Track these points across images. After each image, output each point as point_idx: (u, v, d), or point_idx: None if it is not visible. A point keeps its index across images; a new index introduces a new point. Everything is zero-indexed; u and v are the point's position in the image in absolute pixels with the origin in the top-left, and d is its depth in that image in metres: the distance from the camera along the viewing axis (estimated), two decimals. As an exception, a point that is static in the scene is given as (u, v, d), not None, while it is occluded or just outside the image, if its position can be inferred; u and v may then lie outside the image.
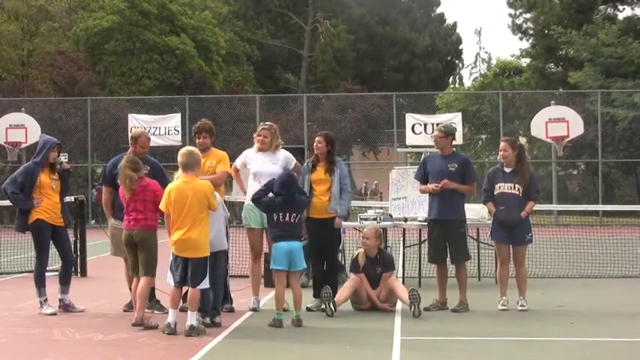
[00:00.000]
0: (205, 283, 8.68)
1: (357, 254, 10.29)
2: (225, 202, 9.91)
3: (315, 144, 10.21)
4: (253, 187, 10.07)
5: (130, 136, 10.31)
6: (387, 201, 14.64)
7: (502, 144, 10.29)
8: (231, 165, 10.43)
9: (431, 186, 10.13)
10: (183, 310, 8.88)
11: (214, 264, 8.99)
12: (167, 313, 8.82)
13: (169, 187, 8.85)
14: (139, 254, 9.07)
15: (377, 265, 10.15)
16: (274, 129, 10.29)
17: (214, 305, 9.12)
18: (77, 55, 39.92)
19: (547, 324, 9.22)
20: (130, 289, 9.55)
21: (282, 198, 9.17)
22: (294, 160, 10.28)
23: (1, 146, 28.85)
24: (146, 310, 9.30)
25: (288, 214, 9.10)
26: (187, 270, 8.62)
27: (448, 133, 10.35)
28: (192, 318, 8.49)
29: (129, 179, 9.03)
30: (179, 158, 8.83)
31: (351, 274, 10.50)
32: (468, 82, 66.55)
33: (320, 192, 10.04)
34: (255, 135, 10.33)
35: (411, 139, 28.38)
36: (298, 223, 9.18)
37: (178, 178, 8.82)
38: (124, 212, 9.27)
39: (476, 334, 8.70)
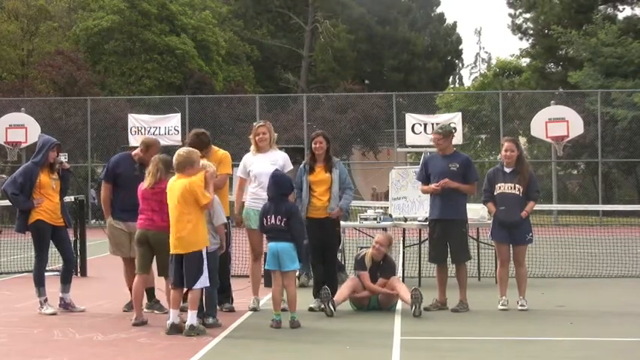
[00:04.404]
0: (203, 282, 8.56)
1: (365, 254, 10.25)
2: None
3: (315, 145, 10.17)
4: (254, 189, 10.06)
5: (140, 141, 10.14)
6: (387, 201, 14.63)
7: (507, 144, 10.25)
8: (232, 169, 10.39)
9: (432, 186, 10.13)
10: (184, 309, 8.88)
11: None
12: (167, 313, 8.82)
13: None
14: (156, 256, 9.06)
15: (378, 269, 10.17)
16: (269, 124, 10.32)
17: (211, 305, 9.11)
18: (77, 55, 39.89)
19: (547, 324, 9.22)
20: (130, 290, 9.54)
21: (270, 198, 9.16)
22: (291, 166, 10.26)
23: (1, 146, 28.85)
24: (146, 311, 9.29)
25: (274, 217, 9.07)
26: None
27: (446, 133, 10.31)
28: (192, 318, 8.47)
29: (159, 172, 9.04)
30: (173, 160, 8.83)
31: (353, 272, 10.50)
32: (467, 82, 66.59)
33: (320, 192, 10.04)
34: (252, 136, 10.30)
35: (411, 139, 28.38)
36: (286, 228, 9.02)
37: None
38: (138, 210, 9.18)
39: (476, 334, 8.70)
